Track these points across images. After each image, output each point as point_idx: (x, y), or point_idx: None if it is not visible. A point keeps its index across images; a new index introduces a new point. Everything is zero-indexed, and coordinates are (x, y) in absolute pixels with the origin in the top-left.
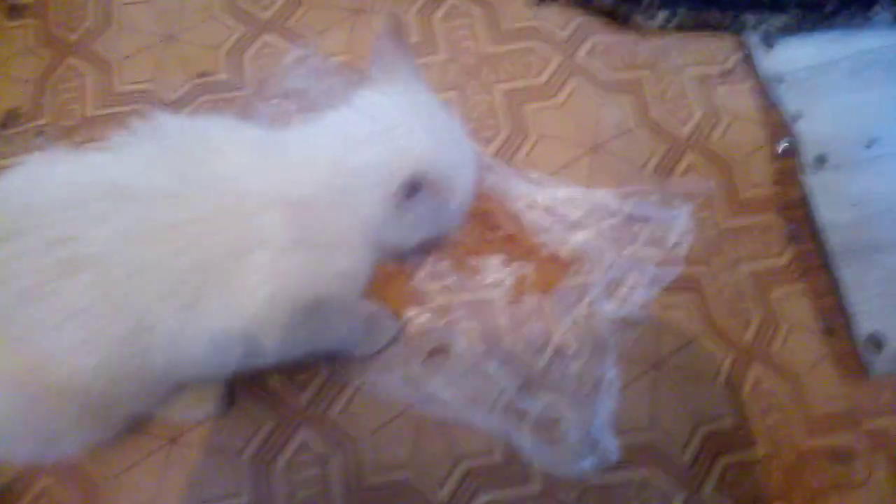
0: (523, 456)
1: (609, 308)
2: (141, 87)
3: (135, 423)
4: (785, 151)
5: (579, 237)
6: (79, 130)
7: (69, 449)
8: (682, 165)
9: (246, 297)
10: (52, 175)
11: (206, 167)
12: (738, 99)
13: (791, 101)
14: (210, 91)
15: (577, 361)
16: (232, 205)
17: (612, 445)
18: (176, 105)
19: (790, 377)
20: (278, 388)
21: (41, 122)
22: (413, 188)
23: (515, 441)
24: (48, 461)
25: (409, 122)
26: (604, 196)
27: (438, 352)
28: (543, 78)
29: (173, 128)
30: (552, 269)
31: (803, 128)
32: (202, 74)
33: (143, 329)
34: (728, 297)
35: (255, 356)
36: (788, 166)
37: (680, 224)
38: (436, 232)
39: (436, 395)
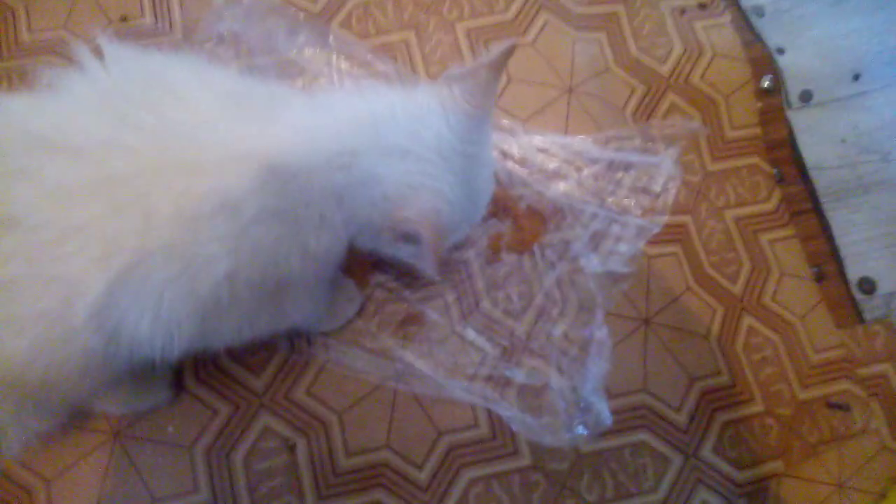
0: (510, 427)
1: (594, 263)
2: (52, 34)
3: (74, 418)
4: (769, 88)
5: (558, 188)
6: None
7: (11, 447)
8: (663, 106)
9: (200, 270)
10: None
11: (161, 112)
12: (719, 33)
13: (773, 34)
14: (134, 37)
15: (562, 323)
16: (191, 158)
17: (604, 410)
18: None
19: (782, 327)
20: (232, 370)
21: None
22: (412, 238)
23: (500, 412)
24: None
25: (447, 166)
26: (582, 142)
27: (410, 321)
28: (510, 14)
29: (122, 62)
30: (530, 225)
31: (787, 62)
32: (123, 18)
33: (76, 302)
34: (716, 245)
35: (207, 338)
36: (773, 104)
37: (664, 169)
38: (412, 263)
39: (410, 368)
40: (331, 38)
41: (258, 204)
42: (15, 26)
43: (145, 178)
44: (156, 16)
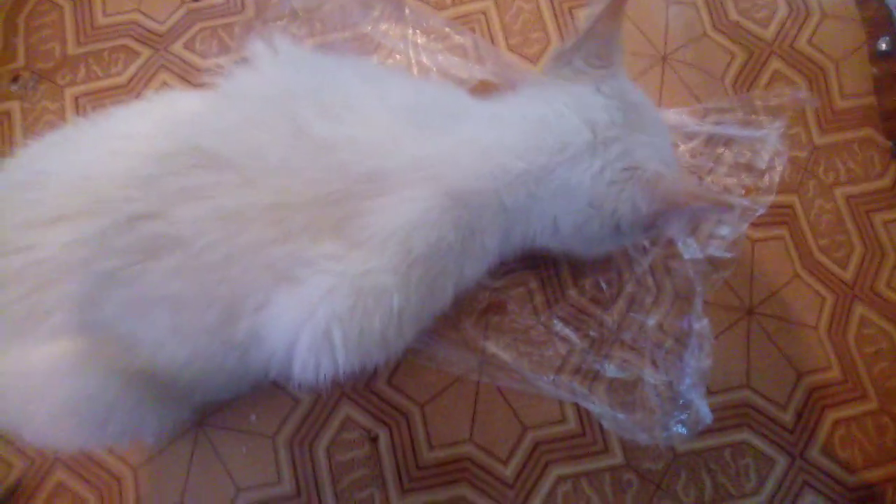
0: (600, 423)
1: (692, 248)
2: (126, 17)
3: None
4: (886, 52)
5: None
6: (60, 72)
7: (149, 435)
8: (766, 74)
9: (373, 303)
10: (119, 139)
11: (335, 126)
12: None
13: None
14: (206, 16)
15: (656, 312)
16: (366, 181)
17: (704, 407)
18: (168, 36)
19: None
20: None
21: (15, 64)
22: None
23: (589, 407)
24: (120, 447)
25: (635, 134)
26: (678, 115)
27: (493, 309)
28: None
29: (296, 63)
30: None
31: None
32: None
33: (238, 321)
34: (825, 227)
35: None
36: (891, 69)
37: (769, 144)
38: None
39: (494, 359)
40: (406, 10)
41: (431, 237)
42: (91, 10)
43: (317, 204)
44: None
